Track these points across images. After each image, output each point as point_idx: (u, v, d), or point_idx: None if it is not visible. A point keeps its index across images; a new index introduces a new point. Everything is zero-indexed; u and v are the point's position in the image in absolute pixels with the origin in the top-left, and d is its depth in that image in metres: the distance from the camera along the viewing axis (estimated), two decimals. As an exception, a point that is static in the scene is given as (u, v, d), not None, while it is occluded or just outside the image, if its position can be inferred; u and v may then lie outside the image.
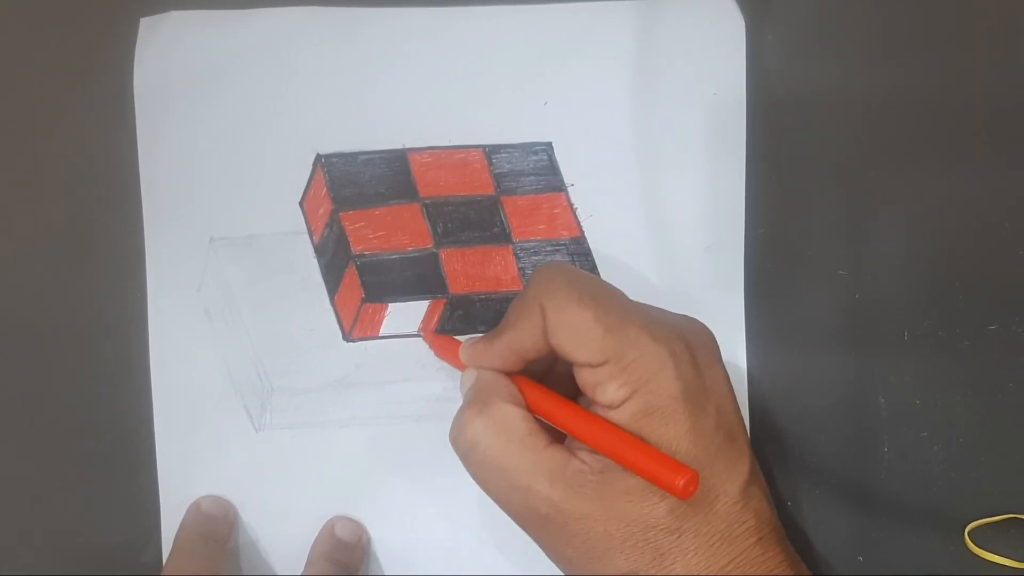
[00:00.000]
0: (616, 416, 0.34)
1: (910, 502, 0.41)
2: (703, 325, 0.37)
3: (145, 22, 0.43)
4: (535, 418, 0.35)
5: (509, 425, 0.35)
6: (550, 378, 0.38)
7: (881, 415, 0.42)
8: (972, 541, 0.41)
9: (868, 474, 0.42)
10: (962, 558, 0.41)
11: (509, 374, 0.37)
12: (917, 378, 0.42)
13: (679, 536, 0.33)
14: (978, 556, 0.41)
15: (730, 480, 0.34)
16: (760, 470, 0.36)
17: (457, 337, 0.40)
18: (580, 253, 0.42)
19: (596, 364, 0.34)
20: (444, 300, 0.42)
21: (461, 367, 0.38)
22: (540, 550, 0.36)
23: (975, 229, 0.42)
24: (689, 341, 0.35)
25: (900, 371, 0.42)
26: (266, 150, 0.43)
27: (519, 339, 0.36)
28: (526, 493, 0.34)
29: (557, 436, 0.36)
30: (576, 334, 0.34)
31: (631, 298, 0.36)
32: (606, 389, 0.34)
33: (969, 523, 0.41)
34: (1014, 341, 0.42)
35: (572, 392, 0.36)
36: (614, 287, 0.37)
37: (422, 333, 0.42)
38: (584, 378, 0.35)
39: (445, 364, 0.42)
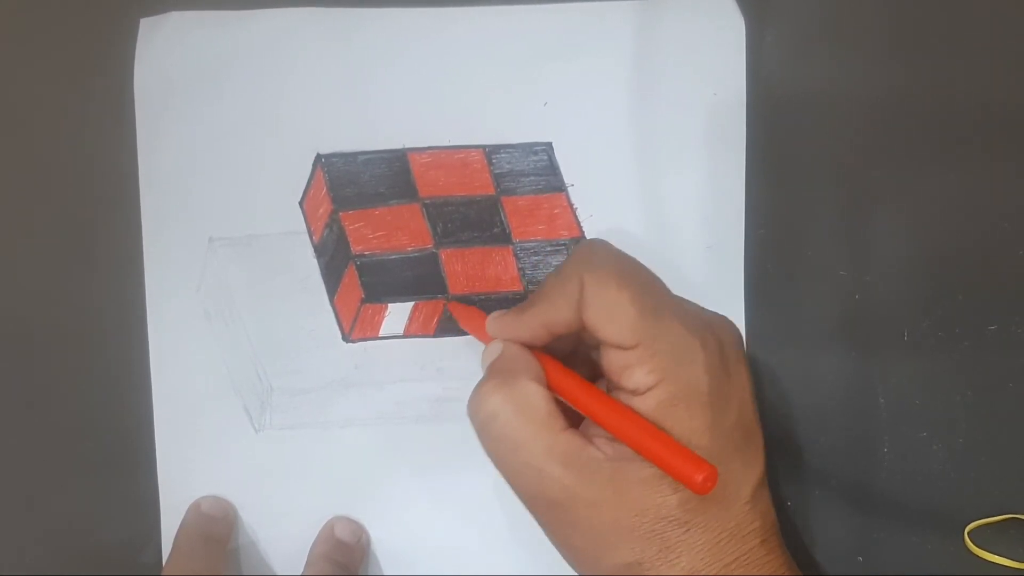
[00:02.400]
0: (639, 403, 0.34)
1: (910, 502, 0.41)
2: (732, 323, 0.37)
3: (145, 22, 0.43)
4: (556, 399, 0.35)
5: (529, 403, 0.34)
6: (572, 360, 0.37)
7: (881, 415, 0.42)
8: (972, 541, 0.41)
9: (868, 474, 0.42)
10: (962, 558, 0.41)
11: (533, 350, 0.37)
12: (917, 378, 0.42)
13: (688, 530, 0.33)
14: (978, 556, 0.41)
15: (744, 480, 0.34)
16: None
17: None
18: (580, 253, 0.42)
19: (627, 346, 0.34)
20: (444, 300, 0.42)
21: (486, 339, 0.38)
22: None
23: (975, 229, 0.42)
24: (720, 337, 0.35)
25: (900, 371, 0.42)
26: (266, 150, 0.43)
27: (553, 311, 0.35)
28: (539, 474, 0.34)
29: (574, 420, 0.35)
30: (612, 313, 0.34)
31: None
32: (633, 373, 0.34)
33: (969, 523, 0.41)
34: (1014, 341, 0.42)
35: (592, 377, 0.36)
36: (653, 273, 0.36)
37: (447, 304, 0.42)
38: (612, 360, 0.34)
39: (445, 364, 0.42)
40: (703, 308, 0.37)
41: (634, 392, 0.34)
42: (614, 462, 0.34)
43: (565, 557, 0.36)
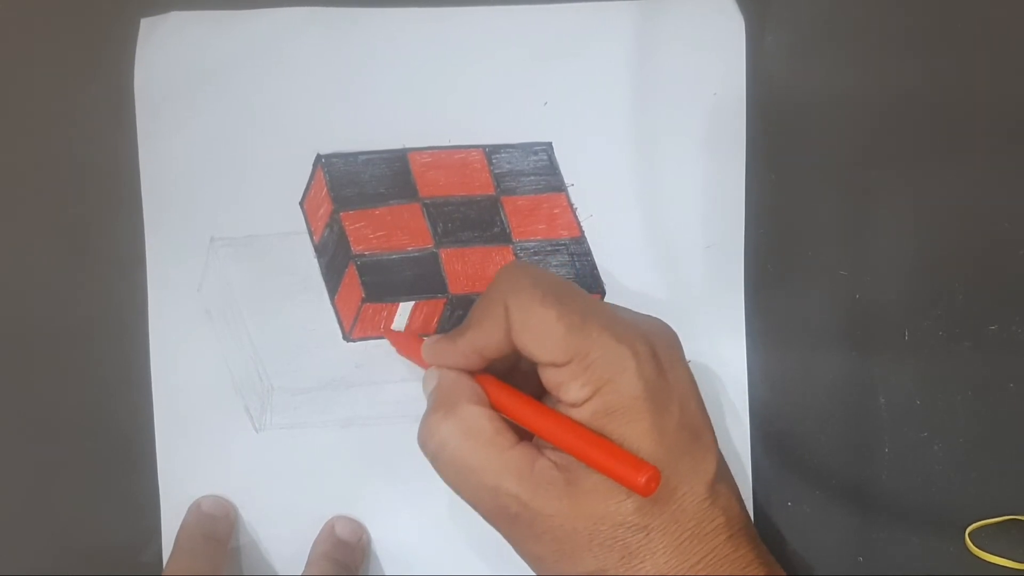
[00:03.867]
0: (579, 414, 0.34)
1: (910, 502, 0.41)
2: (666, 325, 0.37)
3: (145, 22, 0.43)
4: (501, 417, 0.36)
5: (475, 426, 0.35)
6: (515, 376, 0.38)
7: (881, 415, 0.42)
8: (972, 542, 0.41)
9: (868, 474, 0.42)
10: (962, 559, 0.41)
11: (472, 373, 0.37)
12: (917, 378, 0.42)
13: (647, 534, 0.34)
14: (978, 557, 0.41)
15: (696, 478, 0.34)
16: (729, 469, 0.36)
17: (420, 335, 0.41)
18: (580, 253, 0.43)
19: (559, 363, 0.34)
20: (444, 300, 0.42)
21: (424, 365, 0.38)
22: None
23: (975, 229, 0.42)
24: (652, 341, 0.35)
25: (900, 371, 0.42)
26: (266, 150, 0.43)
27: (482, 338, 0.36)
28: (495, 492, 0.34)
29: (525, 434, 0.36)
30: (539, 333, 0.34)
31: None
32: (569, 388, 0.34)
33: (969, 524, 0.41)
34: (1014, 341, 0.42)
35: (538, 390, 0.36)
36: (577, 287, 0.37)
37: (384, 332, 0.42)
38: (548, 377, 0.35)
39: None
40: (636, 314, 0.37)
41: (573, 405, 0.34)
42: (566, 472, 0.34)
43: (533, 569, 0.36)
